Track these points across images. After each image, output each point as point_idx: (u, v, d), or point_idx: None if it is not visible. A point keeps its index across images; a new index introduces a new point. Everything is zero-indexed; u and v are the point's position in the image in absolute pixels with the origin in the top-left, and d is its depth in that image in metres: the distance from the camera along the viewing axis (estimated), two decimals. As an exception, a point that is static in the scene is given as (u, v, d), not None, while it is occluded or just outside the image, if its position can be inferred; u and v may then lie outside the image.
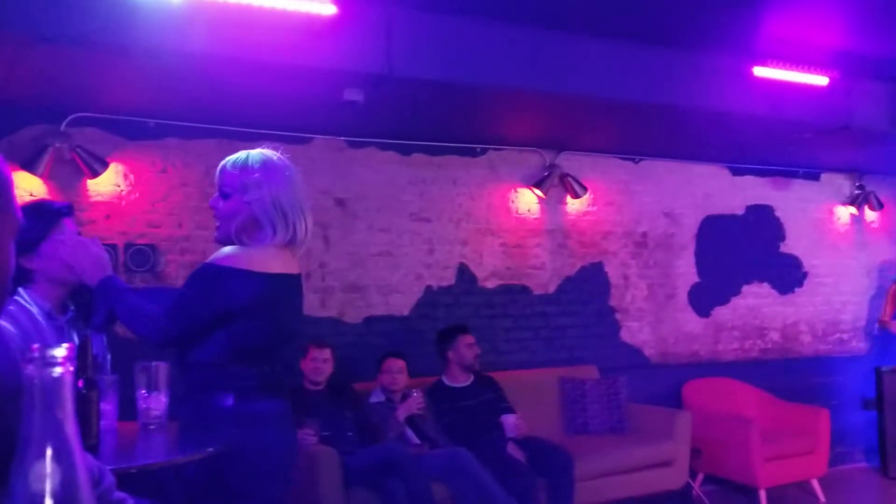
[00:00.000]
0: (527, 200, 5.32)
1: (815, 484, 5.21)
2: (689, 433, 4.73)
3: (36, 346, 0.70)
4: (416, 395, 4.13)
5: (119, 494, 1.11)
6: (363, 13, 3.53)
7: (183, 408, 2.21)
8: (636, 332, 5.64)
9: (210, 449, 1.94)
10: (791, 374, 5.99)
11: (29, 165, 3.90)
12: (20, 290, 2.16)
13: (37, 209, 2.22)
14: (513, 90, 4.02)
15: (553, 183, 5.29)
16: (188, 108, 4.14)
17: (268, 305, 2.17)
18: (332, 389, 4.12)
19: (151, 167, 4.30)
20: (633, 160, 5.67)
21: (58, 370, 0.70)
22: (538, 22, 3.86)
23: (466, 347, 4.51)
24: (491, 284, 5.16)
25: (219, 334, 2.14)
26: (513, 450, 4.15)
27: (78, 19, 3.02)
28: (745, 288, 6.05)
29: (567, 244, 5.43)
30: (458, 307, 5.02)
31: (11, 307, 2.00)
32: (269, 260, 2.18)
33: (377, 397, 4.27)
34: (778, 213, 6.23)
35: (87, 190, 4.15)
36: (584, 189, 5.37)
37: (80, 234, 2.34)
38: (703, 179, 5.93)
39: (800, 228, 6.29)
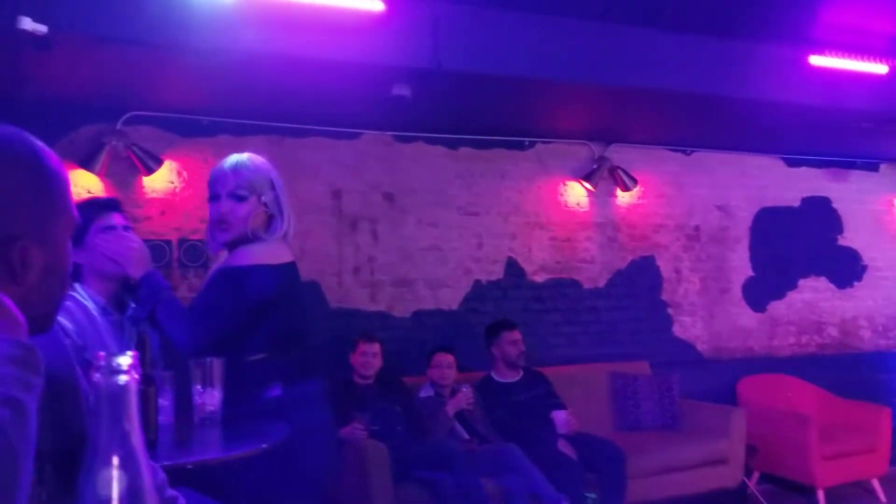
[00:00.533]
0: (576, 193, 5.27)
1: (876, 483, 5.07)
2: (745, 430, 4.64)
3: (102, 353, 0.71)
4: (466, 391, 4.12)
5: (171, 492, 1.13)
6: (411, 9, 3.54)
7: (234, 404, 2.25)
8: (689, 326, 5.55)
9: (264, 445, 1.96)
10: (850, 371, 5.83)
11: (86, 163, 4.00)
12: (76, 285, 2.20)
13: (82, 204, 2.26)
14: (561, 82, 3.98)
15: (602, 175, 5.23)
16: (240, 105, 4.20)
17: (289, 294, 2.36)
18: (381, 384, 4.13)
19: (204, 164, 4.36)
20: (684, 152, 5.57)
21: (123, 378, 0.71)
22: (586, 13, 3.82)
23: (510, 344, 4.47)
24: (540, 278, 5.13)
25: (257, 330, 2.27)
26: (563, 446, 4.11)
27: (135, 20, 3.09)
28: (801, 282, 5.91)
29: (617, 238, 5.36)
30: (507, 301, 5.00)
31: (69, 302, 2.04)
32: (280, 252, 2.37)
33: (427, 392, 4.28)
34: (835, 205, 6.07)
35: (143, 187, 4.24)
36: (635, 181, 5.30)
37: (130, 228, 2.38)
38: (758, 171, 5.81)
39: (858, 221, 6.11)
